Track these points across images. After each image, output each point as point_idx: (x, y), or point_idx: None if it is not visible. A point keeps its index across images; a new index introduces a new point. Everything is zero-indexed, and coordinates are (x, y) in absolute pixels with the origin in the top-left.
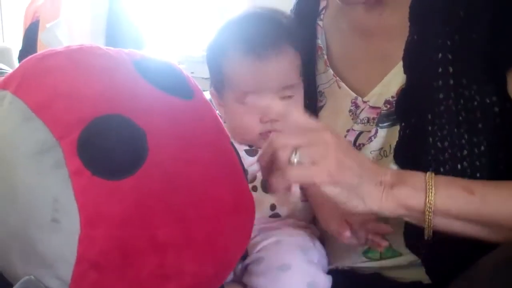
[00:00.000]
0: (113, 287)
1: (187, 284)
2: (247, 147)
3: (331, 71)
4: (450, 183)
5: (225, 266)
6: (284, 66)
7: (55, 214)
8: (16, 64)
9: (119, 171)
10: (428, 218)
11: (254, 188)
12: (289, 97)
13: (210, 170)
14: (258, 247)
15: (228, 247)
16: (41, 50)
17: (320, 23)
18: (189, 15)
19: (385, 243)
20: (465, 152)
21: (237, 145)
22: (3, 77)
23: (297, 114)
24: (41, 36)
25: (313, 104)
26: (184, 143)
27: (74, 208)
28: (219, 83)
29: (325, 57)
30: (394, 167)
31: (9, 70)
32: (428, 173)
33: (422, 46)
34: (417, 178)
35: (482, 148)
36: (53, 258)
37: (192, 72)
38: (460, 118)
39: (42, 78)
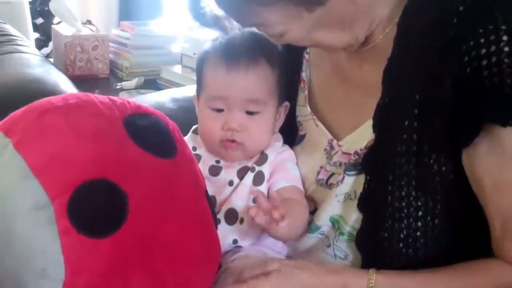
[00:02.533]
0: None
1: None
2: (214, 162)
3: (308, 109)
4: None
5: None
6: (252, 80)
7: (45, 264)
8: (29, 18)
9: (101, 231)
10: None
11: (218, 221)
12: (256, 112)
13: (184, 229)
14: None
15: None
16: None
17: (306, 56)
18: None
19: None
20: (420, 213)
21: (204, 159)
22: (5, 120)
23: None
24: (51, 5)
25: (292, 132)
26: (163, 204)
27: (60, 260)
28: (198, 86)
29: (306, 92)
30: (357, 212)
31: (13, 35)
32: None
33: (391, 110)
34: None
35: (437, 210)
36: None
37: (194, 54)
38: (418, 182)
39: (41, 140)
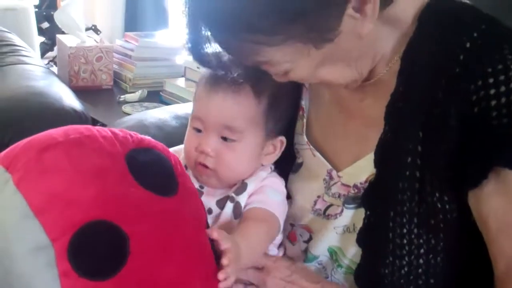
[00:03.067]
0: None
1: None
2: (198, 186)
3: (305, 138)
4: None
5: None
6: (229, 105)
7: None
8: (34, 25)
9: (102, 273)
10: None
11: None
12: (232, 140)
13: (185, 268)
14: None
15: None
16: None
17: (306, 84)
18: None
19: None
20: (422, 250)
21: (192, 181)
22: (6, 154)
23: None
24: (56, 16)
25: (289, 160)
26: (163, 244)
27: None
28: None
29: (304, 120)
30: (356, 246)
31: (17, 45)
32: None
33: (394, 146)
34: None
35: (439, 248)
36: None
37: (198, 67)
38: (421, 220)
39: (42, 178)
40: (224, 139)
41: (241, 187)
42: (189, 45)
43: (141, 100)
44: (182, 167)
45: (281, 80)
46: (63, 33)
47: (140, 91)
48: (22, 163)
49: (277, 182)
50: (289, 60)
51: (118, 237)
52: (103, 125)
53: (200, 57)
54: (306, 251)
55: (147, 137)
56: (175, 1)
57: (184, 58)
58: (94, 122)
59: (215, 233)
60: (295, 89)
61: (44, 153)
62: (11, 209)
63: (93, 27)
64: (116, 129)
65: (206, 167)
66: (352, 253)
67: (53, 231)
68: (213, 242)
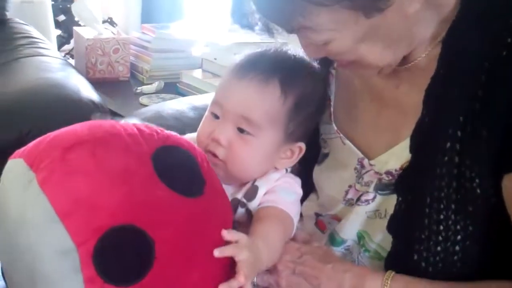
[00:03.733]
0: None
1: None
2: None
3: (334, 126)
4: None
5: None
6: (251, 95)
7: None
8: (51, 18)
9: (127, 279)
10: None
11: None
12: (248, 133)
13: (210, 273)
14: None
15: None
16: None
17: (333, 71)
18: None
19: None
20: (459, 237)
21: None
22: (30, 151)
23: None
24: (73, 8)
25: (314, 151)
26: (189, 248)
27: None
28: None
29: (332, 109)
30: (384, 231)
31: (35, 37)
32: (386, 276)
33: (432, 131)
34: (374, 282)
35: (476, 235)
36: None
37: (215, 59)
38: (458, 206)
39: (67, 181)
40: (241, 131)
41: (252, 190)
42: (233, 9)
43: (158, 92)
44: (208, 165)
45: (315, 54)
46: (79, 25)
47: (157, 83)
48: (46, 162)
49: (291, 183)
50: (334, 28)
51: (144, 242)
52: (121, 116)
53: (241, 18)
54: (332, 234)
55: (173, 133)
56: None
57: (201, 49)
58: (112, 114)
59: (228, 235)
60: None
61: (69, 153)
62: (35, 209)
63: (109, 20)
64: (142, 125)
65: (216, 156)
66: (380, 238)
67: (78, 235)
68: None
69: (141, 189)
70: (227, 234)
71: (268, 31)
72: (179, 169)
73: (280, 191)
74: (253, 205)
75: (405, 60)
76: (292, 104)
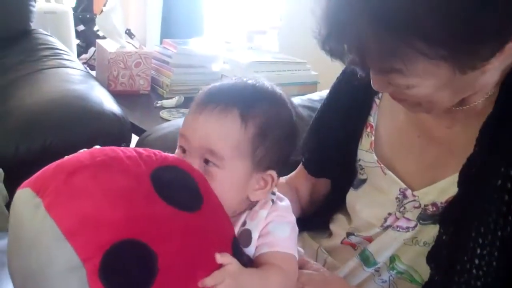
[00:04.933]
0: None
1: None
2: None
3: (374, 156)
4: None
5: None
6: (211, 128)
7: None
8: (72, 28)
9: None
10: None
11: None
12: (214, 165)
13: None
14: None
15: None
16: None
17: (377, 101)
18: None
19: None
20: (500, 274)
21: None
22: (37, 178)
23: None
24: (97, 21)
25: (350, 175)
26: (191, 260)
27: None
28: None
29: (373, 138)
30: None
31: (59, 48)
32: None
33: (483, 168)
34: None
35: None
36: None
37: (235, 76)
38: (503, 243)
39: (71, 202)
40: (207, 162)
41: (245, 235)
42: (328, 32)
43: (178, 106)
44: (206, 183)
45: (389, 92)
46: (99, 36)
47: (177, 97)
48: (52, 187)
49: (281, 214)
50: (423, 77)
51: (147, 255)
52: (144, 130)
53: (334, 49)
54: (366, 256)
55: (171, 155)
56: (211, 8)
57: (220, 65)
58: (133, 127)
59: (220, 259)
60: (364, 102)
61: (73, 177)
62: (42, 232)
63: (127, 31)
64: (141, 149)
65: None
66: (411, 261)
67: (84, 252)
68: (239, 258)
69: (142, 205)
70: (219, 258)
71: (362, 65)
72: (176, 186)
73: (274, 231)
74: (250, 251)
75: (462, 101)
76: (254, 132)
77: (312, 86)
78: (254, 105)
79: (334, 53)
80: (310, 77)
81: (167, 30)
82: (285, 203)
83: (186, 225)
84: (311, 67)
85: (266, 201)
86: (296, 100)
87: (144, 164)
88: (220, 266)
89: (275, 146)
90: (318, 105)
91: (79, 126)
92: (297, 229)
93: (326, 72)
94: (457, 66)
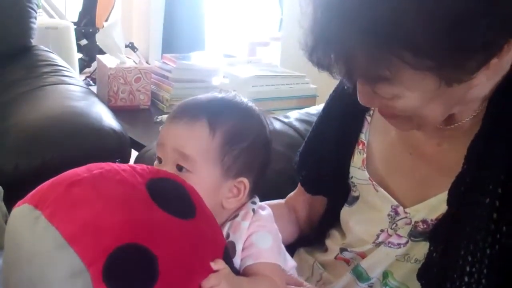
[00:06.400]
0: None
1: None
2: None
3: (366, 174)
4: None
5: None
6: (183, 132)
7: None
8: (74, 43)
9: None
10: None
11: None
12: (187, 170)
13: None
14: None
15: None
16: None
17: (368, 118)
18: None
19: None
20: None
21: None
22: (34, 194)
23: None
24: (97, 36)
25: (343, 192)
26: (188, 264)
27: None
28: None
29: (364, 155)
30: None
31: (59, 64)
32: None
33: (471, 186)
34: None
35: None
36: None
37: (234, 90)
38: (491, 261)
39: (72, 210)
40: (180, 168)
41: (230, 248)
42: (315, 42)
43: None
44: (198, 194)
45: (368, 102)
46: (101, 52)
47: None
48: (51, 199)
49: (262, 224)
50: (409, 87)
51: (148, 258)
52: (143, 146)
53: (320, 61)
54: (360, 271)
55: (163, 169)
56: (212, 24)
57: (220, 79)
58: (133, 142)
59: (215, 266)
60: (355, 118)
61: (72, 187)
62: (44, 241)
63: (130, 45)
64: (134, 165)
65: None
66: (403, 277)
67: (87, 256)
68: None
69: (140, 211)
70: (214, 264)
71: (349, 74)
72: (171, 195)
73: (256, 242)
74: (236, 263)
75: (450, 120)
76: (222, 139)
77: (311, 99)
78: (223, 115)
79: (321, 64)
80: (309, 91)
81: (170, 44)
82: (266, 212)
83: (183, 231)
84: (310, 81)
85: (247, 212)
86: (294, 114)
87: (139, 176)
88: (214, 272)
89: (244, 153)
90: (315, 119)
91: (78, 143)
92: (279, 236)
93: (325, 85)
94: (443, 78)
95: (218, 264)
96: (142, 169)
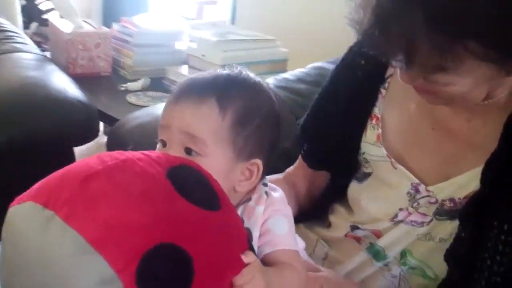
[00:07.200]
0: None
1: None
2: None
3: (384, 150)
4: None
5: None
6: (191, 113)
7: None
8: (18, 4)
9: None
10: None
11: None
12: (196, 153)
13: None
14: None
15: None
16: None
17: (383, 91)
18: None
19: None
20: None
21: None
22: (40, 191)
23: None
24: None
25: (352, 168)
26: (221, 260)
27: None
28: None
29: (379, 130)
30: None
31: (11, 30)
32: None
33: (507, 164)
34: None
35: None
36: None
37: (203, 55)
38: None
39: (92, 209)
40: (189, 152)
41: (248, 234)
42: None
43: (144, 89)
44: (217, 182)
45: (416, 84)
46: (41, 12)
47: (142, 79)
48: (65, 196)
49: (277, 207)
50: (463, 74)
51: (182, 258)
52: (112, 118)
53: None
54: (376, 249)
55: (179, 156)
56: None
57: (186, 43)
58: (100, 113)
59: (246, 259)
60: (368, 92)
61: (87, 183)
62: (62, 245)
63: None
64: (147, 151)
65: None
66: (423, 256)
67: (118, 261)
68: None
69: (166, 206)
70: (245, 257)
71: (406, 59)
72: (195, 185)
73: (273, 228)
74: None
75: (486, 96)
76: (233, 119)
77: (282, 64)
78: (232, 92)
79: (373, 45)
80: (280, 55)
81: (111, 5)
82: (279, 194)
83: (212, 225)
84: (281, 44)
85: (260, 195)
86: (271, 80)
87: (157, 164)
88: (245, 265)
89: (256, 133)
90: (295, 86)
91: (42, 118)
92: (293, 220)
93: (296, 49)
94: (504, 68)
95: (249, 257)
96: (157, 156)
